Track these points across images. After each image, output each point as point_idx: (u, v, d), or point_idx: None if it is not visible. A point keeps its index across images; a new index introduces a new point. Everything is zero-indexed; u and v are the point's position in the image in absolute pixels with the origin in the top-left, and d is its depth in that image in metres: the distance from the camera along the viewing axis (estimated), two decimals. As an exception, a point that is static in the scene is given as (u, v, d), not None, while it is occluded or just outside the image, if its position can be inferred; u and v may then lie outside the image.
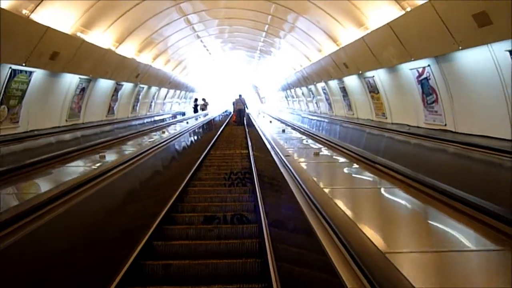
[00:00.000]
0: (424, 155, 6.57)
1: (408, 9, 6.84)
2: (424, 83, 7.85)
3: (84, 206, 3.18)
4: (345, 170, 4.04)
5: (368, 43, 8.36)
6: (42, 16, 7.11)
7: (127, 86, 14.30)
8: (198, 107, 26.14)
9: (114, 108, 13.94)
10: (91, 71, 10.11)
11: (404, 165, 3.60)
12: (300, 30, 12.96)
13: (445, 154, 5.94)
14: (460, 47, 5.52)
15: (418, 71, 7.90)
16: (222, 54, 23.94)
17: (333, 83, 14.53)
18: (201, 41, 17.74)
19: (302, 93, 21.68)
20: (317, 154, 4.51)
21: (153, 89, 18.34)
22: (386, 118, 10.44)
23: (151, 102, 19.07)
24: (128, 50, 12.08)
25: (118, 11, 9.64)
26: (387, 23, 6.97)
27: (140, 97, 16.79)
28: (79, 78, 10.23)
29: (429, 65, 7.37)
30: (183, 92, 26.25)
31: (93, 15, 8.73)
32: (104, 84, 12.22)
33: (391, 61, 7.93)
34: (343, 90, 13.67)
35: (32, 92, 8.27)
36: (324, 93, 16.67)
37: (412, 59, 7.04)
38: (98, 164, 4.39)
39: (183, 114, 24.29)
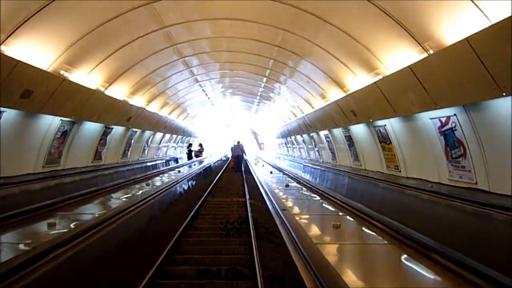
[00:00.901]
0: (478, 227, 5.25)
1: (431, 51, 6.00)
2: (448, 134, 6.88)
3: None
4: (393, 263, 2.80)
5: (383, 89, 7.48)
6: (15, 49, 6.25)
7: (117, 130, 13.36)
8: (193, 153, 24.54)
9: (102, 153, 12.90)
10: (75, 112, 9.16)
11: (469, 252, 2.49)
12: (303, 75, 12.23)
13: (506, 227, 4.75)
14: (504, 94, 4.57)
15: (440, 121, 6.95)
16: (221, 99, 23.36)
17: (338, 131, 13.64)
18: (200, 85, 17.08)
19: (303, 140, 20.81)
20: (336, 227, 3.39)
21: (147, 133, 17.42)
22: (400, 171, 9.39)
23: (145, 147, 18.09)
24: (119, 91, 11.25)
25: (108, 48, 8.87)
26: (408, 66, 6.09)
27: (133, 141, 15.83)
28: (61, 120, 9.28)
29: (455, 114, 6.43)
30: (180, 137, 25.35)
31: (78, 52, 7.91)
32: (91, 127, 11.26)
33: (410, 109, 7.00)
34: (349, 138, 12.74)
35: (2, 134, 7.27)
36: (327, 141, 15.75)
37: (437, 107, 6.09)
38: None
39: (176, 160, 22.89)
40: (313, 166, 16.65)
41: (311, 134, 17.97)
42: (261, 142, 50.25)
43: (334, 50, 8.89)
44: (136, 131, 15.57)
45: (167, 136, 21.80)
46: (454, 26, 5.23)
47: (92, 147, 11.98)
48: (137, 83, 11.88)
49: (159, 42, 9.99)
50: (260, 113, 28.83)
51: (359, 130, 11.44)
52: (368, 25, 7.04)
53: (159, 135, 19.74)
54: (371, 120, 9.26)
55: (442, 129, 7.00)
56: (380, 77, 7.83)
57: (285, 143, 28.23)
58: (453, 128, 6.64)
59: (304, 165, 18.67)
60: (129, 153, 15.86)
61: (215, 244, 6.57)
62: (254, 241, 5.53)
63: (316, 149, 18.31)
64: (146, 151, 18.52)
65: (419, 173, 8.47)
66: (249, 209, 8.76)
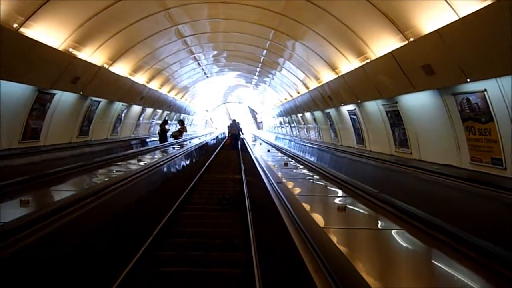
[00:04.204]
0: None
1: None
2: None
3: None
4: None
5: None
6: None
7: (65, 97, 9.41)
8: (168, 134, 18.47)
9: (40, 129, 9.00)
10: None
11: None
12: (333, 18, 8.25)
13: None
14: None
15: None
16: (215, 67, 19.42)
17: (373, 105, 9.80)
18: (186, 41, 13.05)
19: (314, 119, 16.96)
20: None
21: (118, 105, 13.45)
22: (505, 168, 5.62)
23: (116, 123, 14.14)
24: (53, 35, 7.27)
25: None
26: None
27: (95, 115, 11.92)
28: None
29: None
30: (167, 112, 21.27)
31: None
32: (10, 90, 7.32)
33: None
34: (394, 115, 8.90)
35: None
36: (353, 119, 11.93)
37: None
38: None
39: (144, 142, 17.33)
40: (338, 154, 12.78)
41: (327, 111, 14.12)
42: (260, 121, 46.30)
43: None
44: (99, 101, 11.63)
45: (149, 110, 17.81)
46: None
47: (18, 121, 8.07)
48: (87, 21, 7.81)
49: None
50: (261, 87, 24.86)
51: (418, 101, 7.59)
52: None
53: (136, 108, 15.76)
54: (467, 80, 5.37)
55: None
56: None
57: (289, 122, 24.36)
58: None
59: (319, 149, 14.85)
60: (90, 131, 11.97)
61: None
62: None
63: (332, 129, 14.51)
64: (118, 128, 14.60)
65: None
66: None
